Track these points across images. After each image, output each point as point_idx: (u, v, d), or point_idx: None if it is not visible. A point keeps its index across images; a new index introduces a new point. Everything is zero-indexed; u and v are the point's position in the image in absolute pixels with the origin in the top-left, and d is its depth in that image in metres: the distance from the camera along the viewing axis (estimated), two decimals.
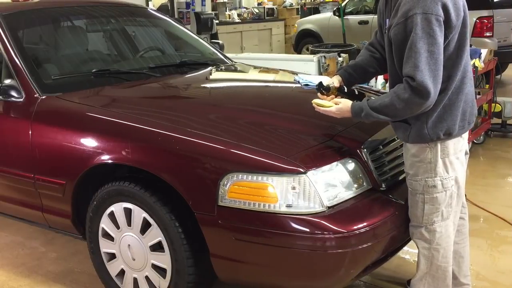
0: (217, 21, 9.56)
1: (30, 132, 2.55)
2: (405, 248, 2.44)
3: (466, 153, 2.22)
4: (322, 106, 2.19)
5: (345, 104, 2.13)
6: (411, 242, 2.27)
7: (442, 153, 2.04)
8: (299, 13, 14.08)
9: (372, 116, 2.02)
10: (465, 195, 2.38)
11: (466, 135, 2.15)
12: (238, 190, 2.02)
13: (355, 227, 1.97)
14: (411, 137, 2.07)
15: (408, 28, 1.90)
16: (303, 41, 10.45)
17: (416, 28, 1.87)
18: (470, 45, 4.94)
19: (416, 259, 2.25)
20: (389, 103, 1.97)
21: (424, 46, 1.86)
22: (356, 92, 2.52)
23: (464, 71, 2.02)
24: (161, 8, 8.85)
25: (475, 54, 4.40)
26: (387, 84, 2.51)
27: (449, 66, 1.96)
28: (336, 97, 2.26)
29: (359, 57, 2.39)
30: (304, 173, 2.00)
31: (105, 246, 2.47)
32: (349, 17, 9.29)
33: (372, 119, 2.05)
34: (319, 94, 2.29)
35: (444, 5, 1.88)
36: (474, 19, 7.11)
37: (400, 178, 2.30)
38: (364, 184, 2.17)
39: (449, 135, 2.03)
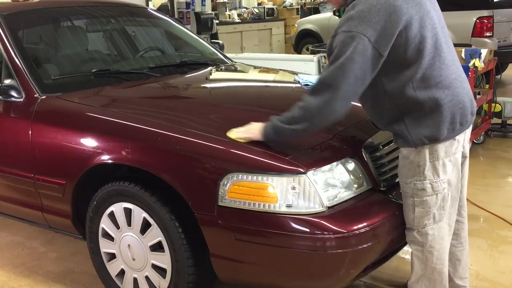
0: (217, 21, 9.57)
1: (30, 132, 2.55)
2: (405, 248, 2.43)
3: (463, 156, 2.18)
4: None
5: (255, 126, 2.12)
6: None
7: (431, 156, 2.01)
8: (299, 13, 14.09)
9: (284, 129, 2.01)
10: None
11: (462, 137, 2.08)
12: (238, 190, 2.02)
13: (355, 227, 1.97)
14: (399, 142, 2.07)
15: (334, 44, 1.94)
16: (303, 41, 10.46)
17: (338, 45, 1.91)
18: (470, 45, 4.98)
19: None
20: (296, 113, 2.00)
21: (339, 60, 1.88)
22: None
23: (437, 76, 1.96)
24: (161, 8, 8.85)
25: (475, 54, 4.40)
26: None
27: (406, 75, 1.94)
28: None
29: None
30: (304, 173, 1.99)
31: (105, 246, 2.47)
32: None
33: (284, 136, 2.05)
34: None
35: (374, 26, 1.86)
36: (474, 19, 7.10)
37: None
38: (364, 184, 2.17)
39: (435, 140, 1.99)
